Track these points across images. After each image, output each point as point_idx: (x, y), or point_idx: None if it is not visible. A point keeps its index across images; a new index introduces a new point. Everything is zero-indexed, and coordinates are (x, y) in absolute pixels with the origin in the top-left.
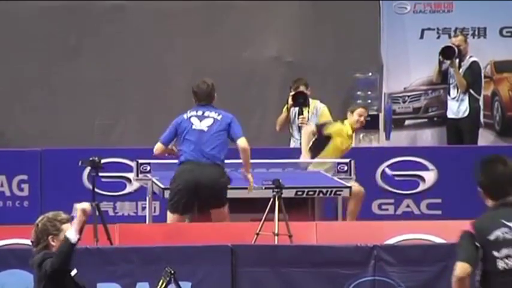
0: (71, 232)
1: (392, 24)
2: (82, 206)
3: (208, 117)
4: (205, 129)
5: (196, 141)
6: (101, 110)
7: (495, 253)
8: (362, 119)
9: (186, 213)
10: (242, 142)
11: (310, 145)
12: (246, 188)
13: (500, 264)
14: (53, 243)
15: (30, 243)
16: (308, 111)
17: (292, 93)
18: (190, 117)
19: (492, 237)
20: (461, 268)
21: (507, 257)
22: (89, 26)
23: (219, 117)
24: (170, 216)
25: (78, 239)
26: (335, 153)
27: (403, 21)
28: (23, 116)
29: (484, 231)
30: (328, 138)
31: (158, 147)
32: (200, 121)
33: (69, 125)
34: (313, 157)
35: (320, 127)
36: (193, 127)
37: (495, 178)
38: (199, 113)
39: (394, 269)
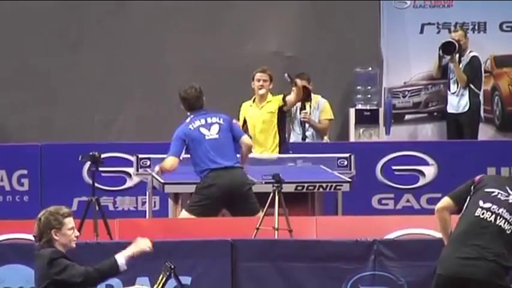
0: (121, 259)
1: (393, 18)
2: (145, 244)
3: (213, 123)
4: (217, 136)
5: (213, 148)
6: (101, 105)
7: (480, 202)
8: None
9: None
10: (247, 139)
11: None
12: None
13: (478, 211)
14: (55, 237)
15: (33, 238)
16: (310, 106)
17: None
18: (197, 127)
19: (488, 190)
20: (443, 201)
21: (488, 209)
22: (89, 21)
23: (221, 121)
24: (185, 215)
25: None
26: None
27: (403, 16)
28: (23, 111)
29: (485, 184)
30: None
31: (174, 161)
32: (208, 129)
33: (69, 120)
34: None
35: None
36: (206, 137)
37: None
38: (203, 121)
39: (394, 264)
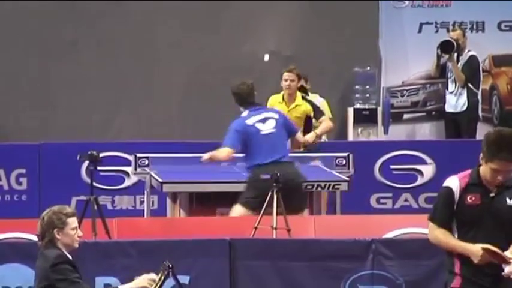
0: None
1: (391, 18)
2: (145, 280)
3: (268, 118)
4: (273, 130)
5: (267, 143)
6: (99, 104)
7: None
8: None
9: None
10: (301, 136)
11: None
12: (245, 182)
13: None
14: (58, 236)
15: (36, 237)
16: None
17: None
18: (254, 122)
19: None
20: None
21: None
22: (87, 20)
23: (276, 116)
24: (240, 210)
25: None
26: None
27: (402, 15)
28: (21, 110)
29: None
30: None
31: (229, 152)
32: (264, 124)
33: (67, 119)
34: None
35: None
36: (262, 132)
37: None
38: (259, 116)
39: (392, 263)
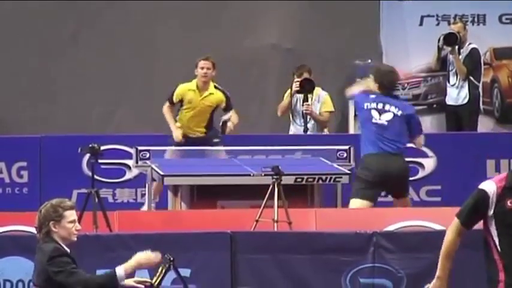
0: (120, 270)
1: (392, 11)
2: (144, 257)
3: (388, 111)
4: (385, 123)
5: (377, 133)
6: (101, 97)
7: None
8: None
9: (373, 201)
10: (419, 141)
11: None
12: (246, 175)
13: None
14: (54, 229)
15: (35, 229)
16: (311, 98)
17: (299, 79)
18: (370, 108)
19: None
20: None
21: None
22: (88, 14)
23: (399, 113)
24: (357, 203)
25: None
26: None
27: (403, 8)
28: (22, 103)
29: None
30: None
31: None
32: (380, 114)
33: (68, 112)
34: None
35: None
36: (374, 120)
37: None
38: (380, 105)
39: (393, 256)
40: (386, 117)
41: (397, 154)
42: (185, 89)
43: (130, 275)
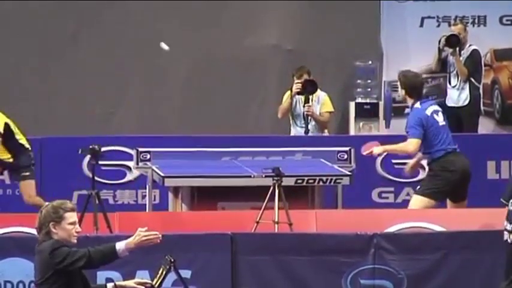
0: (121, 245)
1: (392, 12)
2: (144, 234)
3: (439, 111)
4: (444, 123)
5: (445, 134)
6: (101, 98)
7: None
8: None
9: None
10: None
11: None
12: (247, 177)
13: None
14: (54, 230)
15: (35, 230)
16: (311, 99)
17: (299, 81)
18: (431, 113)
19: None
20: None
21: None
22: (87, 15)
23: (440, 109)
24: (425, 201)
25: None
26: None
27: (403, 9)
28: (22, 104)
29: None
30: None
31: (418, 143)
32: (438, 116)
33: (69, 113)
34: None
35: None
36: (440, 124)
37: None
38: (433, 108)
39: (394, 257)
40: (442, 116)
41: (463, 152)
42: None
43: (131, 276)
